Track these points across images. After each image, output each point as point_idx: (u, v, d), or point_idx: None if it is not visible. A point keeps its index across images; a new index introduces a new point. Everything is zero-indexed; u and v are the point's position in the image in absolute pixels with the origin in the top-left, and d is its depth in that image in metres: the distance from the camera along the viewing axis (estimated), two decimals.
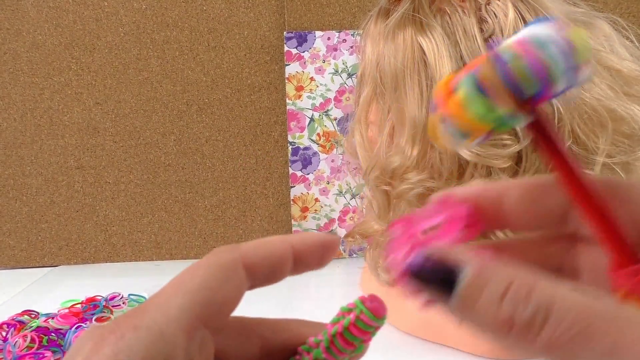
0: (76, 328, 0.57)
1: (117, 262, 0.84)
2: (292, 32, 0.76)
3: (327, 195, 0.80)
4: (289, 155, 0.79)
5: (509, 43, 0.19)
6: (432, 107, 0.21)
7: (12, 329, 0.57)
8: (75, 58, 0.79)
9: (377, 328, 0.22)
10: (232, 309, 0.21)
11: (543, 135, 0.20)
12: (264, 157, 0.83)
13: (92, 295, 0.67)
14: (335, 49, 0.77)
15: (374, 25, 0.52)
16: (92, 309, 0.63)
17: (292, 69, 0.77)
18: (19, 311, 0.63)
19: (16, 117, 0.80)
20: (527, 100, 0.19)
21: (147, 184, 0.82)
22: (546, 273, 0.16)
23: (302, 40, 0.76)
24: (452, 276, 0.17)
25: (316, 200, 0.80)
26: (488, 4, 0.46)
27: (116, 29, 0.78)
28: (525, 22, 0.44)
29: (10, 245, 0.83)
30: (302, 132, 0.78)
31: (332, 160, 0.79)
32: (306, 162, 0.79)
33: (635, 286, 0.18)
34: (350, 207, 0.81)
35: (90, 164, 0.82)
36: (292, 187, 0.79)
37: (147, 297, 0.68)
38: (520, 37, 0.19)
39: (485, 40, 0.45)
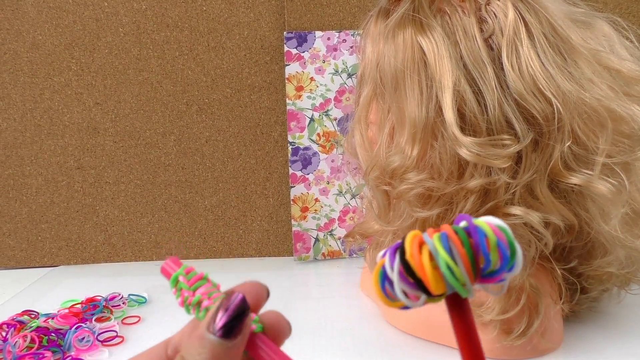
0: (76, 328, 0.57)
1: (117, 262, 0.84)
2: (292, 32, 0.76)
3: (327, 195, 0.80)
4: (289, 155, 0.79)
5: (478, 220, 0.21)
6: (393, 254, 0.22)
7: (12, 329, 0.57)
8: (75, 58, 0.79)
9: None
10: None
11: (462, 313, 0.22)
12: (264, 157, 0.83)
13: (92, 295, 0.67)
14: (335, 49, 0.77)
15: (374, 26, 0.52)
16: (92, 309, 0.63)
17: (292, 69, 0.77)
18: (19, 311, 0.63)
19: (16, 117, 0.80)
20: (483, 275, 0.21)
21: (147, 184, 0.82)
22: None
23: (302, 40, 0.76)
24: None
25: (316, 200, 0.80)
26: (488, 4, 0.46)
27: (116, 29, 0.78)
28: (525, 22, 0.44)
29: (10, 245, 0.83)
30: (302, 132, 0.78)
31: (332, 160, 0.79)
32: (306, 162, 0.79)
33: None
34: (350, 207, 0.81)
35: (90, 164, 0.82)
36: (292, 187, 0.79)
37: (147, 297, 0.68)
38: (483, 219, 0.21)
39: (485, 40, 0.45)
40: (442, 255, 0.20)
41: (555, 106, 0.43)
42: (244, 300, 0.22)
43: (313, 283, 0.74)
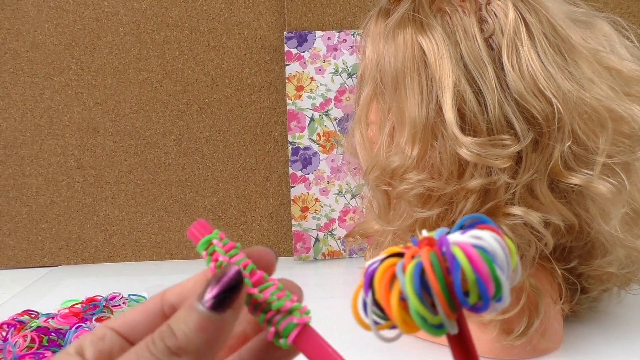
0: (76, 328, 0.57)
1: (117, 262, 0.84)
2: (292, 32, 0.76)
3: (327, 195, 0.80)
4: (289, 155, 0.79)
5: (458, 248, 0.19)
6: (366, 285, 0.21)
7: (12, 329, 0.57)
8: (75, 58, 0.79)
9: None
10: None
11: (462, 348, 0.20)
12: (264, 157, 0.83)
13: (92, 295, 0.67)
14: (336, 49, 0.77)
15: (374, 25, 0.52)
16: (92, 309, 0.63)
17: (292, 69, 0.77)
18: (19, 311, 0.63)
19: (16, 117, 0.80)
20: (461, 311, 0.19)
21: (147, 184, 0.82)
22: None
23: (302, 40, 0.76)
24: None
25: (316, 200, 0.80)
26: (488, 3, 0.46)
27: (116, 29, 0.78)
28: (525, 22, 0.44)
29: (10, 245, 0.83)
30: (302, 132, 0.78)
31: (332, 160, 0.79)
32: (306, 162, 0.79)
33: None
34: (350, 207, 0.81)
35: (90, 164, 0.82)
36: (292, 187, 0.79)
37: (147, 296, 0.68)
38: (469, 243, 0.19)
39: (486, 40, 0.45)
40: (413, 303, 0.19)
41: (555, 106, 0.43)
42: (239, 274, 0.21)
43: (313, 283, 0.74)
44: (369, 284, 0.21)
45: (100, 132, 0.81)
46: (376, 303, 0.20)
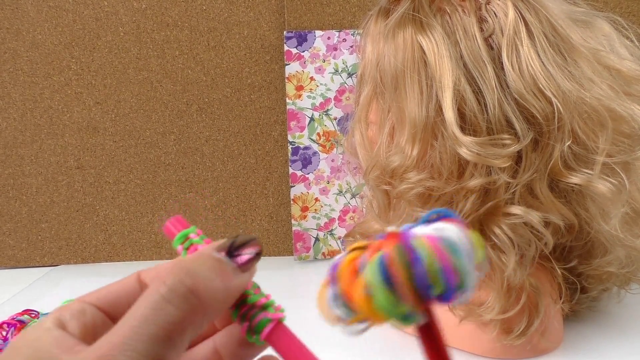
0: None
1: (117, 261, 0.84)
2: (292, 32, 0.76)
3: (327, 194, 0.80)
4: (289, 155, 0.79)
5: (421, 239, 0.19)
6: (331, 280, 0.21)
7: (12, 328, 0.57)
8: (75, 58, 0.79)
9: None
10: None
11: (430, 338, 0.20)
12: (264, 157, 0.83)
13: None
14: (335, 49, 0.77)
15: (374, 25, 0.52)
16: None
17: (292, 68, 0.77)
18: (19, 311, 0.63)
19: (16, 117, 0.80)
20: (428, 301, 0.19)
21: (147, 183, 0.82)
22: None
23: (302, 39, 0.76)
24: None
25: (316, 199, 0.80)
26: (488, 3, 0.46)
27: (116, 28, 0.78)
28: (525, 22, 0.44)
29: (10, 245, 0.83)
30: (302, 131, 0.78)
31: (332, 160, 0.79)
32: (306, 162, 0.79)
33: None
34: (350, 206, 0.81)
35: (90, 164, 0.81)
36: (292, 186, 0.79)
37: None
38: (432, 235, 0.19)
39: (485, 39, 0.45)
40: (376, 293, 0.19)
41: (555, 105, 0.43)
42: (259, 245, 0.23)
43: (313, 282, 0.74)
44: (334, 277, 0.20)
45: (100, 132, 0.81)
46: (342, 296, 0.20)
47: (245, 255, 0.22)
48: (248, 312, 0.22)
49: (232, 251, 0.22)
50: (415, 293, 0.19)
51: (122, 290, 0.23)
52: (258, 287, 0.23)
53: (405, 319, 0.19)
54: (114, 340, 0.18)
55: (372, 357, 0.53)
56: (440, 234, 0.19)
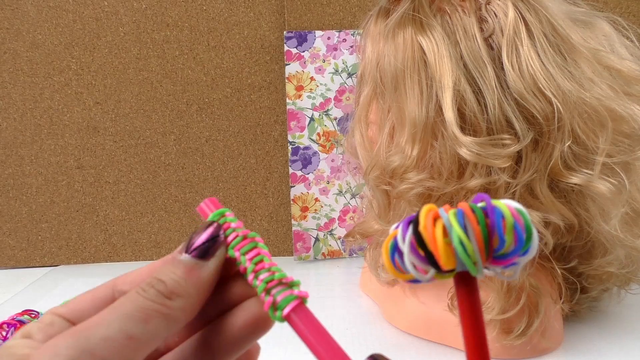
0: None
1: (117, 262, 0.84)
2: (292, 32, 0.76)
3: (327, 194, 0.80)
4: (289, 155, 0.79)
5: (497, 201, 0.21)
6: (407, 224, 0.21)
7: (12, 328, 0.57)
8: (75, 58, 0.79)
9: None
10: None
11: (468, 291, 0.21)
12: (264, 157, 0.83)
13: None
14: (335, 49, 0.77)
15: (374, 25, 0.52)
16: None
17: (292, 68, 0.77)
18: (19, 311, 0.63)
19: (16, 117, 0.80)
20: (494, 257, 0.20)
21: (147, 183, 0.82)
22: None
23: (302, 39, 0.76)
24: None
25: (316, 200, 0.80)
26: (488, 3, 0.46)
27: (116, 28, 0.78)
28: (525, 22, 0.44)
29: (10, 245, 0.83)
30: (302, 131, 0.78)
31: (332, 160, 0.79)
32: (306, 162, 0.79)
33: None
34: (350, 206, 0.81)
35: (90, 164, 0.81)
36: (292, 186, 0.79)
37: None
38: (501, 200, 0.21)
39: (485, 39, 0.45)
40: (456, 230, 0.20)
41: (555, 106, 0.43)
42: (218, 227, 0.24)
43: (313, 283, 0.74)
44: (408, 224, 0.21)
45: (100, 132, 0.81)
46: (416, 239, 0.21)
47: (198, 242, 0.23)
48: (274, 288, 0.23)
49: (189, 247, 0.23)
50: (487, 244, 0.20)
51: (93, 300, 0.24)
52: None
53: (472, 269, 0.20)
54: (90, 321, 0.21)
55: None
56: (508, 202, 0.21)
